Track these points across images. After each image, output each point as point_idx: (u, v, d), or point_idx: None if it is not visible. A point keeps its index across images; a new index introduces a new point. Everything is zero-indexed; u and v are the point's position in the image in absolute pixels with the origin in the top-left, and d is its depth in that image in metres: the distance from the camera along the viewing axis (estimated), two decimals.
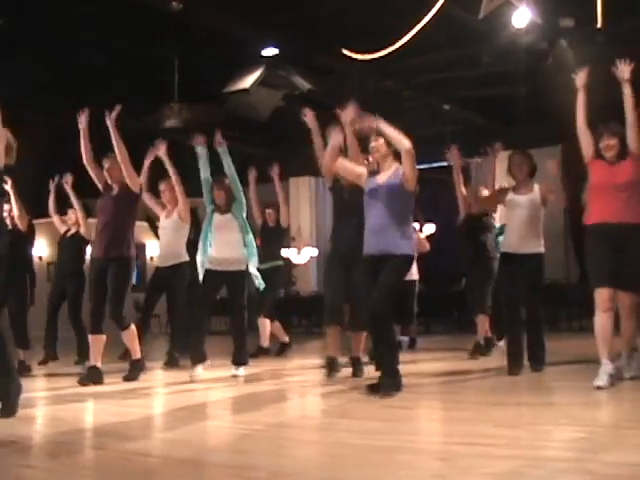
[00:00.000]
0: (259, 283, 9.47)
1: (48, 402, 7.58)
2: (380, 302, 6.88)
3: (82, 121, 8.86)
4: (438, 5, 11.35)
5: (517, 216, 8.60)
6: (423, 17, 11.64)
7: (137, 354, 8.82)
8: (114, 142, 8.67)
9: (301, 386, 8.63)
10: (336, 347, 8.70)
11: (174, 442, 5.16)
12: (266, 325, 11.89)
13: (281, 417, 6.31)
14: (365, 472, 4.12)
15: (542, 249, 8.60)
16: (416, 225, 21.56)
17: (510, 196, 8.68)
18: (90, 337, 8.72)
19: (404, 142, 7.02)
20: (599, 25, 11.38)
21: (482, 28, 12.33)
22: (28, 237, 10.39)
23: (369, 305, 7.00)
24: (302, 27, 13.66)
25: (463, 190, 10.78)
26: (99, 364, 8.61)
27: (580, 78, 7.57)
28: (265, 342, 11.87)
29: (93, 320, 8.64)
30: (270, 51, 13.99)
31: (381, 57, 12.61)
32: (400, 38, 12.13)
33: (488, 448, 4.57)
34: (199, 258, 9.22)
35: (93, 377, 8.48)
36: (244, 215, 9.34)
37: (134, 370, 8.78)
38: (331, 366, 8.62)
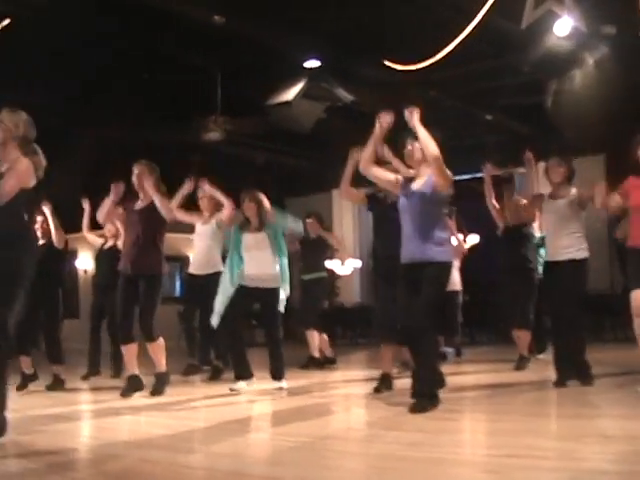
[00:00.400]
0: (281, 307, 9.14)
1: (92, 415, 7.63)
2: (418, 317, 6.74)
3: (115, 193, 8.80)
4: (480, 15, 11.29)
5: (552, 221, 8.46)
6: (465, 27, 11.59)
7: (162, 367, 8.74)
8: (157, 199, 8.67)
9: (345, 398, 8.62)
10: (389, 364, 8.50)
11: (219, 455, 5.16)
12: (315, 336, 11.79)
13: (326, 429, 6.28)
14: None
15: (581, 254, 8.24)
16: (460, 236, 21.53)
17: (545, 201, 8.55)
18: (123, 348, 8.76)
19: (432, 148, 6.95)
20: None
21: (524, 37, 12.26)
22: (62, 252, 10.37)
23: (406, 319, 6.87)
24: (344, 38, 13.64)
25: (495, 203, 10.65)
26: (137, 371, 8.64)
27: None
28: (315, 352, 11.78)
29: (123, 330, 8.69)
30: (312, 63, 13.99)
31: (423, 67, 12.56)
32: (442, 48, 12.08)
33: (536, 460, 4.53)
34: (225, 277, 9.14)
35: (134, 386, 8.54)
36: (279, 238, 9.18)
37: (160, 384, 8.68)
38: (383, 382, 8.37)
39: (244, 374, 8.88)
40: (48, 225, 9.91)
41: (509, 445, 5.06)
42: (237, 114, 15.12)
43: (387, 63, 13.13)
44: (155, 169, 8.99)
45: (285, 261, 9.17)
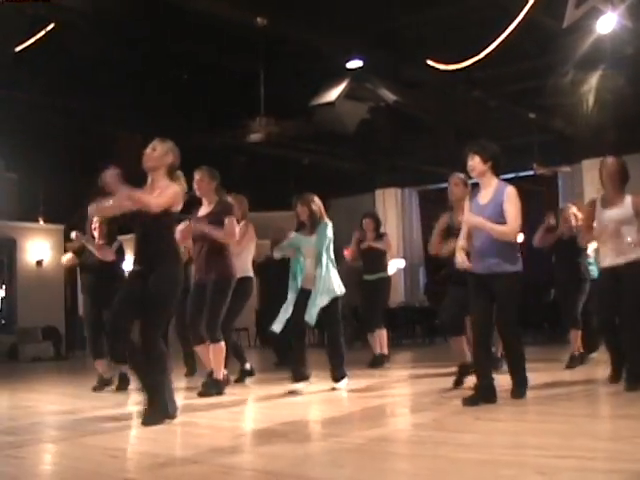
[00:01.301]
0: (309, 317, 8.89)
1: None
2: (505, 325, 7.33)
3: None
4: (523, 13, 11.24)
5: (606, 232, 8.04)
6: (508, 25, 11.54)
7: (219, 374, 8.76)
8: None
9: (395, 399, 8.61)
10: (463, 354, 8.61)
11: (271, 456, 5.17)
12: (384, 334, 12.00)
13: (378, 431, 6.27)
14: None
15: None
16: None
17: (598, 211, 8.16)
18: (197, 349, 9.02)
19: (504, 231, 7.17)
20: None
21: (568, 35, 12.19)
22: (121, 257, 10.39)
23: (500, 332, 7.47)
24: (387, 38, 13.64)
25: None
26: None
27: None
28: (385, 349, 12.00)
29: (194, 332, 8.85)
30: (355, 63, 13.98)
31: (466, 67, 12.52)
32: (485, 47, 12.05)
33: (586, 462, 4.51)
34: (291, 283, 9.17)
35: (213, 387, 8.70)
36: (327, 246, 9.12)
37: (212, 387, 8.72)
38: (462, 372, 8.57)
39: (303, 376, 8.94)
40: (106, 230, 10.06)
41: (559, 446, 5.04)
42: (281, 116, 15.15)
43: (430, 62, 13.10)
44: (216, 175, 9.05)
45: (323, 271, 9.01)
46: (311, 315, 8.84)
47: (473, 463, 4.66)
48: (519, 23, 11.26)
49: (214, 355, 8.73)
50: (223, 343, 8.74)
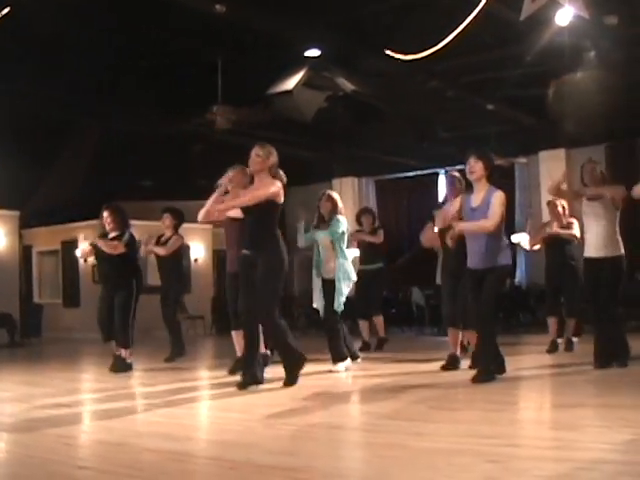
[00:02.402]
0: (338, 305, 9.73)
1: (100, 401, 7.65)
2: (484, 314, 8.01)
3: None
4: (481, 4, 11.27)
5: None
6: (467, 16, 11.56)
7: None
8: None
9: (353, 387, 8.64)
10: (456, 345, 9.45)
11: (227, 444, 5.17)
12: (381, 320, 12.87)
13: (334, 418, 6.29)
14: (415, 474, 4.11)
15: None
16: None
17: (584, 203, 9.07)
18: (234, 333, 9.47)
19: (484, 225, 7.97)
20: None
21: (526, 27, 12.24)
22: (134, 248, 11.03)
23: (478, 316, 8.12)
24: (346, 27, 13.61)
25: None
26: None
27: None
28: (382, 333, 12.87)
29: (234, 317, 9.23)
30: (313, 52, 13.95)
31: (425, 57, 12.52)
32: (444, 38, 12.06)
33: (538, 450, 4.56)
34: (314, 271, 10.00)
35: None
36: (338, 238, 9.79)
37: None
38: (451, 362, 9.33)
39: (343, 356, 9.76)
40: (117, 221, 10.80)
41: (512, 435, 5.08)
42: (238, 104, 15.09)
43: (389, 52, 13.09)
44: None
45: (341, 261, 9.82)
46: (339, 303, 9.70)
47: (426, 451, 4.69)
48: (477, 14, 11.27)
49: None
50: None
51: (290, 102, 14.05)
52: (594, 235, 8.91)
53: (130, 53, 14.53)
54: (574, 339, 11.38)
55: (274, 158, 8.23)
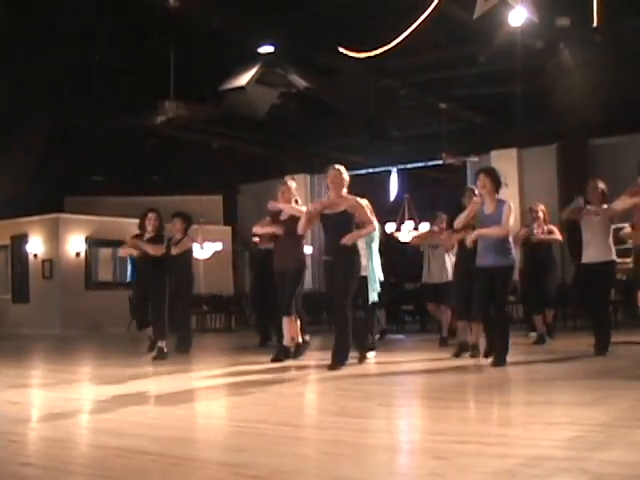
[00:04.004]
0: (372, 298, 10.87)
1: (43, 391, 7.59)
2: (500, 308, 9.45)
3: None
4: (434, 3, 11.30)
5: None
6: (421, 15, 11.59)
7: (288, 341, 10.58)
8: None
9: (304, 384, 8.64)
10: (465, 334, 10.73)
11: (173, 440, 5.15)
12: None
13: (282, 416, 6.28)
14: (362, 470, 4.12)
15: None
16: (411, 223, 21.70)
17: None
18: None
19: (498, 231, 9.26)
20: (595, 24, 11.34)
21: (479, 27, 12.31)
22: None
23: (496, 312, 9.38)
24: (300, 25, 13.62)
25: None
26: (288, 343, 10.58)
27: None
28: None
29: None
30: (267, 48, 13.94)
31: (378, 55, 12.54)
32: (397, 36, 12.09)
33: (486, 447, 4.58)
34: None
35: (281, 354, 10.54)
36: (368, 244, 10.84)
37: (299, 351, 10.86)
38: (461, 348, 10.62)
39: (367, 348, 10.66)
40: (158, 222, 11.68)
41: (458, 432, 5.11)
42: (191, 99, 15.05)
43: (342, 50, 13.11)
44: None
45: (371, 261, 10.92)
46: (373, 297, 10.83)
47: (373, 448, 4.70)
48: (431, 13, 11.31)
49: (286, 326, 10.58)
50: (293, 317, 10.66)
51: (243, 98, 14.05)
52: (592, 244, 10.30)
53: (82, 47, 14.43)
54: (533, 334, 12.86)
55: (348, 177, 9.73)
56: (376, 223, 10.33)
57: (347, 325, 9.45)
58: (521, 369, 9.04)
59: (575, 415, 5.64)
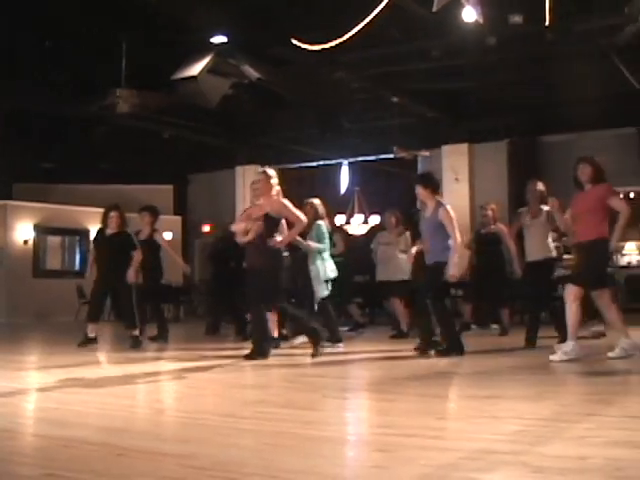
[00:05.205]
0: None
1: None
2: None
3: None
4: None
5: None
6: (376, 8, 11.60)
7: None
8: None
9: (248, 375, 8.63)
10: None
11: (117, 430, 5.12)
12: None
13: (226, 406, 6.27)
14: (303, 462, 4.12)
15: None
16: (361, 217, 21.77)
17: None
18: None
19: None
20: (547, 23, 11.43)
21: (433, 22, 12.35)
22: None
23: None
24: (253, 15, 13.57)
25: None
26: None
27: None
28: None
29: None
30: (220, 38, 13.87)
31: (332, 48, 12.53)
32: (351, 29, 12.08)
33: (429, 440, 4.60)
34: None
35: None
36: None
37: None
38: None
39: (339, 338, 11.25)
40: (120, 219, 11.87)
41: (402, 425, 5.12)
42: (142, 87, 14.95)
43: (295, 42, 13.08)
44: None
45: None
46: (321, 294, 11.23)
47: (314, 439, 4.70)
48: (385, 7, 11.32)
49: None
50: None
51: (195, 88, 13.96)
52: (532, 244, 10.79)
53: (32, 32, 14.27)
54: (495, 326, 13.87)
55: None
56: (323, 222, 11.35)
57: (261, 321, 9.79)
58: (469, 363, 9.09)
59: (519, 409, 5.70)
